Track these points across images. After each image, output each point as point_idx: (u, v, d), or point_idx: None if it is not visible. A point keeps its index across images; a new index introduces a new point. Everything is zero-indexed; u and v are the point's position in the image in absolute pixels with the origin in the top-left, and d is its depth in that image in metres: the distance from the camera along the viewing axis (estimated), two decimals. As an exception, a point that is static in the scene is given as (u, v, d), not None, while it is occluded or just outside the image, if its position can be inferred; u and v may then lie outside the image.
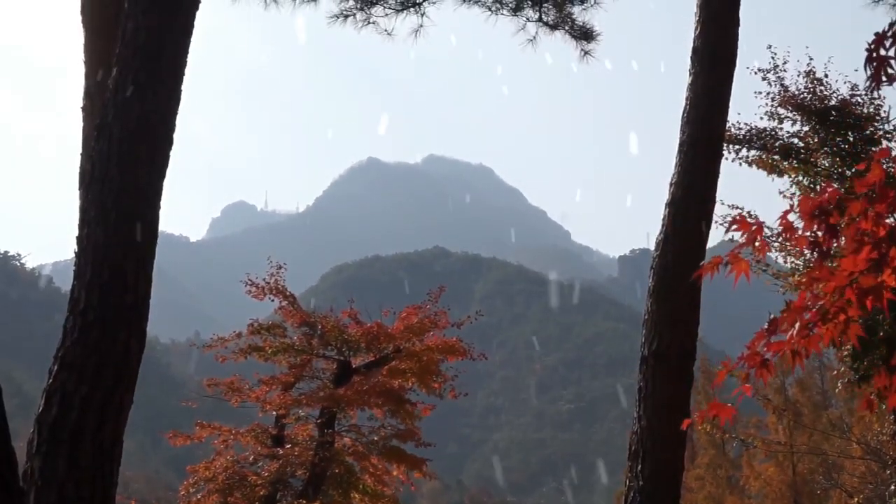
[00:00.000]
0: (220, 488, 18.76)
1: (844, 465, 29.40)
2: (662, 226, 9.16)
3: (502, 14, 12.31)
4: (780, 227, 3.87)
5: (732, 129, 16.67)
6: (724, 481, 36.51)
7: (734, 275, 4.08)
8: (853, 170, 16.33)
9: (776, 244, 17.05)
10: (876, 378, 4.06)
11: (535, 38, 12.36)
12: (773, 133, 16.96)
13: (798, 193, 16.94)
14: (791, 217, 3.82)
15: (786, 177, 17.02)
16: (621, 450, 10.66)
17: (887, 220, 3.61)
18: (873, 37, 3.82)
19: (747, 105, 16.59)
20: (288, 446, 19.53)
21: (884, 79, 3.79)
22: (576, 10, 12.10)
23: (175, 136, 6.79)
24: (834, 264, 3.77)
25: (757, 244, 3.98)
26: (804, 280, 3.86)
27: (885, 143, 16.35)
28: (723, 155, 9.80)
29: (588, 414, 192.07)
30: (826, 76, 16.68)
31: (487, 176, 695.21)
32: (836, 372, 19.33)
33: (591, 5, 11.97)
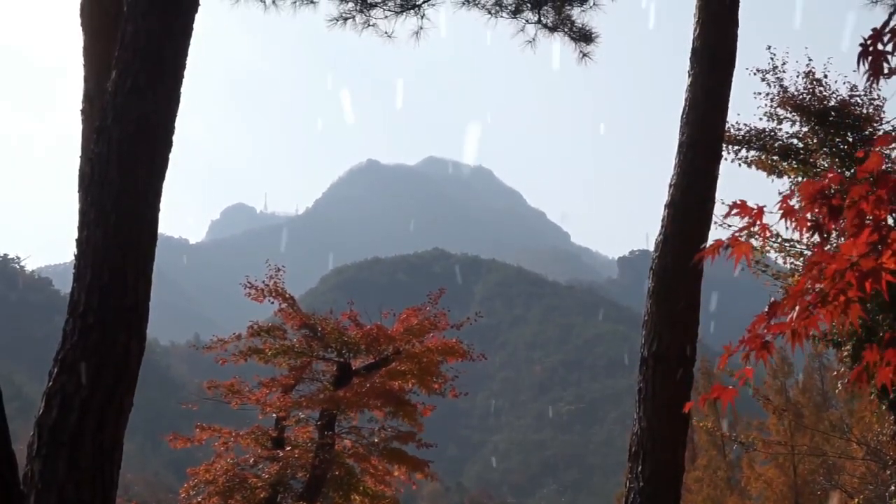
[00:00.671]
0: (221, 490, 18.75)
1: (845, 465, 29.39)
2: (662, 227, 9.16)
3: (502, 16, 12.33)
4: (780, 211, 3.87)
5: (732, 130, 16.67)
6: (724, 483, 36.49)
7: (734, 265, 4.06)
8: (852, 170, 16.33)
9: (775, 244, 17.07)
10: (866, 353, 4.04)
11: (534, 39, 12.38)
12: (773, 134, 16.96)
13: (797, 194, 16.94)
14: (792, 202, 3.83)
15: (785, 178, 17.03)
16: (621, 451, 10.67)
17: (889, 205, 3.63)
18: (871, 32, 3.83)
19: (747, 106, 16.61)
20: (288, 448, 19.53)
21: (885, 72, 3.79)
22: (575, 13, 12.11)
23: (174, 138, 6.79)
24: (834, 247, 3.78)
25: (757, 228, 3.97)
26: (806, 266, 3.86)
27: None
28: (722, 156, 9.80)
29: (588, 415, 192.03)
30: (825, 77, 16.69)
31: (487, 177, 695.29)
32: (835, 373, 19.35)
33: (590, 7, 11.98)
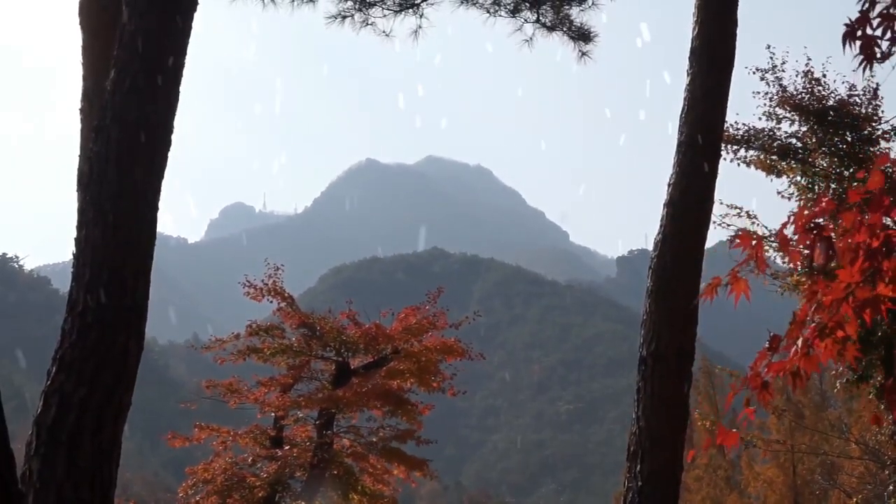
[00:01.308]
0: (219, 490, 18.77)
1: (843, 465, 29.41)
2: (661, 226, 9.16)
3: (500, 15, 12.31)
4: (777, 242, 3.81)
5: (731, 130, 16.68)
6: (724, 482, 36.51)
7: (734, 303, 4.03)
8: (851, 170, 16.34)
9: (774, 244, 17.07)
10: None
11: (532, 39, 12.37)
12: (772, 133, 16.97)
13: (796, 193, 16.95)
14: (788, 231, 3.76)
15: (784, 177, 17.04)
16: (620, 450, 10.66)
17: (884, 230, 3.56)
18: (858, 14, 3.79)
19: (745, 105, 16.62)
20: (287, 448, 19.54)
21: (878, 56, 3.75)
22: (573, 12, 12.11)
23: (173, 137, 6.79)
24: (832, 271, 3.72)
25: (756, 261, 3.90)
26: (805, 290, 3.80)
27: (882, 144, 16.35)
28: (721, 155, 9.80)
29: (587, 415, 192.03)
30: (824, 76, 16.70)
31: (486, 177, 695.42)
32: (834, 372, 19.35)
33: (589, 6, 11.98)
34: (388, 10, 12.36)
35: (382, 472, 20.31)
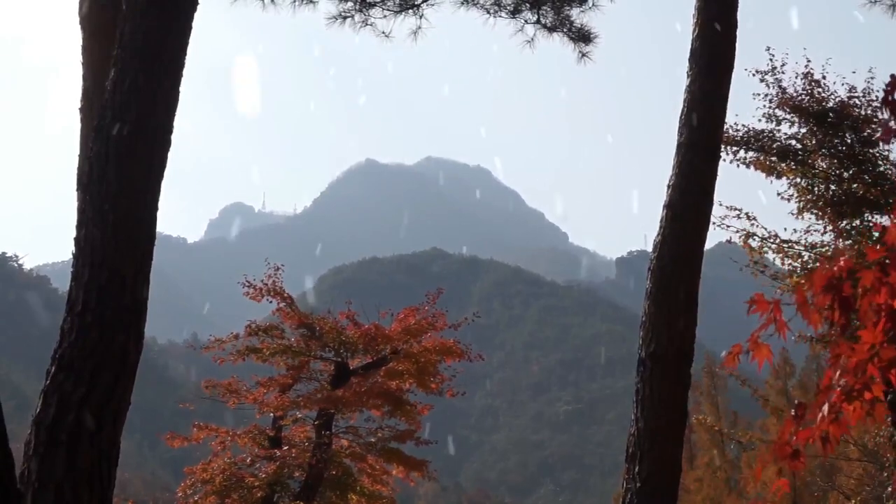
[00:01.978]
0: (218, 490, 18.76)
1: (842, 467, 29.44)
2: (660, 228, 9.17)
3: (500, 16, 12.33)
4: (795, 304, 3.68)
5: (730, 131, 16.67)
6: (723, 483, 36.52)
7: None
8: (850, 171, 16.35)
9: (773, 246, 17.08)
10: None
11: (533, 39, 12.38)
12: (771, 135, 16.96)
13: (796, 195, 16.94)
14: (807, 292, 3.61)
15: (784, 179, 17.04)
16: (619, 451, 10.66)
17: None
18: (889, 78, 3.66)
19: (745, 107, 16.61)
20: (285, 448, 19.53)
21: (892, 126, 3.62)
22: (574, 13, 12.12)
23: (173, 136, 6.79)
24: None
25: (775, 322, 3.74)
26: (829, 359, 3.70)
27: (882, 145, 16.34)
28: (721, 157, 9.81)
29: (586, 416, 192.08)
30: (824, 78, 16.69)
31: (485, 177, 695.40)
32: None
33: (590, 8, 11.99)
34: (389, 10, 12.37)
35: (381, 472, 20.31)
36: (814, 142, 16.65)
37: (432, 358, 19.71)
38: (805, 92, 16.63)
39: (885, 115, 3.71)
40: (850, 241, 16.14)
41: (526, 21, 12.30)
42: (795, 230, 16.99)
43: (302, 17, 12.58)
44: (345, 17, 12.44)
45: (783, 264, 17.21)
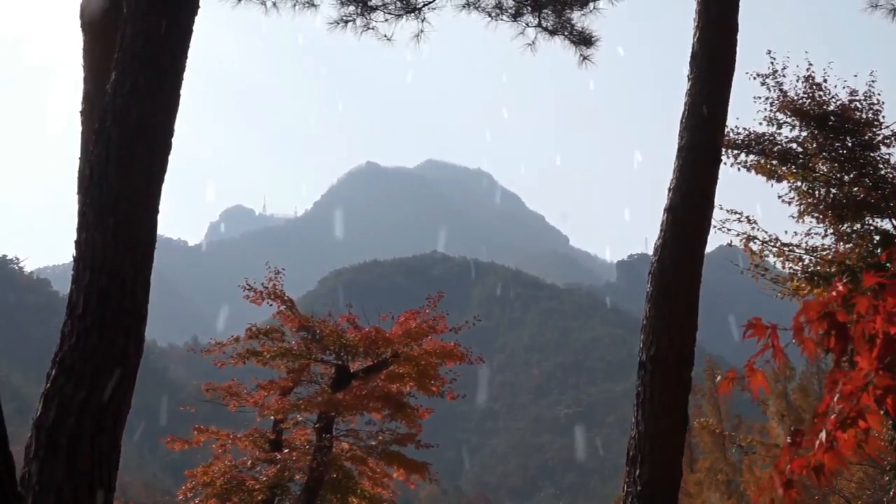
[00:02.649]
0: (218, 493, 18.76)
1: (842, 470, 29.42)
2: (661, 231, 9.16)
3: (502, 20, 12.33)
4: (791, 330, 3.64)
5: (731, 134, 16.68)
6: (724, 486, 36.49)
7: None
8: (851, 175, 16.35)
9: (774, 249, 17.08)
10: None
11: (534, 43, 12.38)
12: (772, 138, 16.96)
13: (796, 198, 16.95)
14: (802, 319, 3.56)
15: (784, 182, 17.04)
16: (619, 455, 10.64)
17: None
18: None
19: (746, 110, 16.61)
20: (286, 451, 19.53)
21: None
22: (575, 16, 12.12)
23: (174, 139, 6.79)
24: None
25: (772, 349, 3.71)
26: (826, 385, 3.67)
27: (883, 149, 16.36)
28: (721, 160, 9.80)
29: (586, 419, 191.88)
30: (825, 81, 16.70)
31: (486, 180, 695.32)
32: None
33: (591, 11, 11.99)
34: (390, 14, 12.36)
35: (382, 475, 20.30)
36: (814, 145, 16.65)
37: (433, 361, 19.70)
38: (806, 95, 16.63)
39: None
40: (851, 245, 16.14)
41: (527, 24, 12.30)
42: (796, 233, 17.00)
43: (303, 20, 12.59)
44: (346, 21, 12.43)
45: (784, 268, 17.21)
